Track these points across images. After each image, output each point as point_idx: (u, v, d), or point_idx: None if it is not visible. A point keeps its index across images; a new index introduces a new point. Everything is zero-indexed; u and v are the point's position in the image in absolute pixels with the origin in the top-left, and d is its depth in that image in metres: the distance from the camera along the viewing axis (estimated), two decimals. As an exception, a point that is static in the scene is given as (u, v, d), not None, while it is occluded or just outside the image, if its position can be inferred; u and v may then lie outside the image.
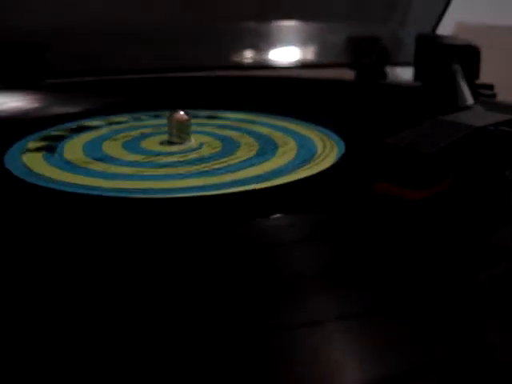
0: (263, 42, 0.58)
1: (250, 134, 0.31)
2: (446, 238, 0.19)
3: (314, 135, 0.31)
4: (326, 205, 0.21)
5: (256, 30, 0.58)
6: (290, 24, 0.58)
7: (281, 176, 0.24)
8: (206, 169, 0.25)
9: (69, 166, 0.26)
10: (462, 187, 0.22)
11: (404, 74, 0.53)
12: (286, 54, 0.58)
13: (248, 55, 0.57)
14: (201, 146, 0.29)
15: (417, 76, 0.46)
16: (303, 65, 0.57)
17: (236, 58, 0.57)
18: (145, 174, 0.25)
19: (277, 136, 0.31)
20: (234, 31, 0.57)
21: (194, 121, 0.31)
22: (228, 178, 0.24)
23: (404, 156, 0.21)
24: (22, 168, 0.25)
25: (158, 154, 0.28)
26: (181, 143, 0.29)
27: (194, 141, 0.30)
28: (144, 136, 0.31)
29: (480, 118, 0.23)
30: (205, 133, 0.32)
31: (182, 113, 0.29)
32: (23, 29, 0.50)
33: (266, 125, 0.33)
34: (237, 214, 0.20)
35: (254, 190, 0.22)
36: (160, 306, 0.14)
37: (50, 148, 0.29)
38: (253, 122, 0.34)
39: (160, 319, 0.13)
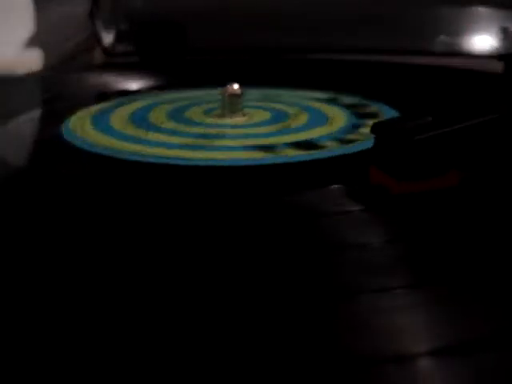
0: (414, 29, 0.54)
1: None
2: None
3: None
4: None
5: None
6: (441, 12, 0.54)
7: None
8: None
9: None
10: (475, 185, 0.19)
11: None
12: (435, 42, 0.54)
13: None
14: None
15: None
16: (450, 53, 0.52)
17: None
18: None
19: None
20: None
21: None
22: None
23: (392, 141, 0.18)
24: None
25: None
26: (231, 116, 0.29)
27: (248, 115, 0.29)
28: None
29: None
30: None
31: (235, 86, 0.29)
32: (165, 8, 0.53)
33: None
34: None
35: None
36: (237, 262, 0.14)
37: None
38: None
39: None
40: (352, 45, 0.52)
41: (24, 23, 0.50)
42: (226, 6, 0.55)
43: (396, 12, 0.53)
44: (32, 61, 0.50)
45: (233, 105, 0.29)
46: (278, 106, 0.31)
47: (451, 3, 0.53)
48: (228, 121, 0.29)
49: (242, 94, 0.29)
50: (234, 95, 0.29)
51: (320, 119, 0.29)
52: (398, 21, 0.53)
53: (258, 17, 0.55)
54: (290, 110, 0.30)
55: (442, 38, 0.53)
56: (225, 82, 0.29)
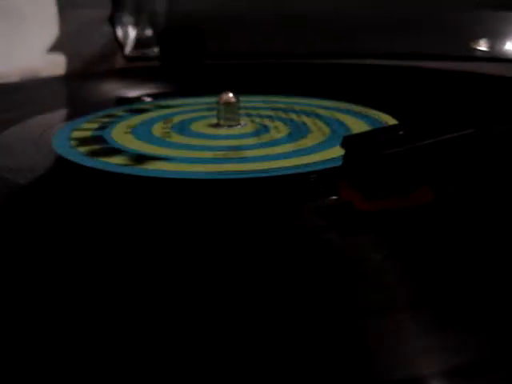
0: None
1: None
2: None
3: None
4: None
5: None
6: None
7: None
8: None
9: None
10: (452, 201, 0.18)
11: None
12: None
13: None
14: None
15: None
16: (484, 58, 0.51)
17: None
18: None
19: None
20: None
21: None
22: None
23: (360, 155, 0.17)
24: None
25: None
26: (229, 126, 0.28)
27: (244, 123, 0.29)
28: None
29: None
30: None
31: (230, 95, 0.28)
32: (185, 13, 0.53)
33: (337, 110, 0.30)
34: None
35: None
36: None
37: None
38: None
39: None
40: (388, 50, 0.51)
41: (48, 29, 0.51)
42: (247, 11, 0.54)
43: (428, 16, 0.52)
44: (56, 65, 0.51)
45: (229, 113, 0.28)
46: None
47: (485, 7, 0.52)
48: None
49: (237, 102, 0.28)
50: (229, 103, 0.28)
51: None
52: (428, 25, 0.52)
53: (284, 21, 0.54)
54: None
55: (478, 42, 0.52)
56: (239, 88, 0.29)
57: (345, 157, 0.18)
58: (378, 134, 0.18)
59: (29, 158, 0.24)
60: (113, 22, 0.50)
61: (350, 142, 0.18)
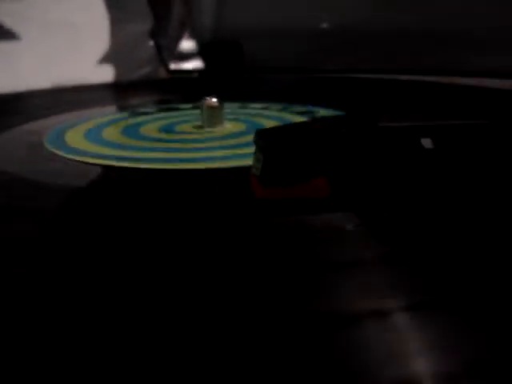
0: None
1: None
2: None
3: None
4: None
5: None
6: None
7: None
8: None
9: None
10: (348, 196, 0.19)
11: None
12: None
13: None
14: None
15: None
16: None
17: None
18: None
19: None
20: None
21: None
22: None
23: (261, 146, 0.19)
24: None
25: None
26: (212, 129, 0.31)
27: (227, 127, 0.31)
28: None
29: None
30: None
31: (214, 99, 0.30)
32: (225, 28, 0.56)
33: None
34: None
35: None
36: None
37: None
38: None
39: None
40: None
41: (99, 42, 0.55)
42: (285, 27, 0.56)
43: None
44: (104, 74, 0.55)
45: (212, 117, 0.31)
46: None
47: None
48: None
49: (220, 106, 0.31)
50: (213, 107, 0.31)
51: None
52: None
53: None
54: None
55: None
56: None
57: (255, 149, 0.20)
58: (286, 128, 0.19)
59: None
60: (154, 35, 0.54)
61: (260, 135, 0.20)
